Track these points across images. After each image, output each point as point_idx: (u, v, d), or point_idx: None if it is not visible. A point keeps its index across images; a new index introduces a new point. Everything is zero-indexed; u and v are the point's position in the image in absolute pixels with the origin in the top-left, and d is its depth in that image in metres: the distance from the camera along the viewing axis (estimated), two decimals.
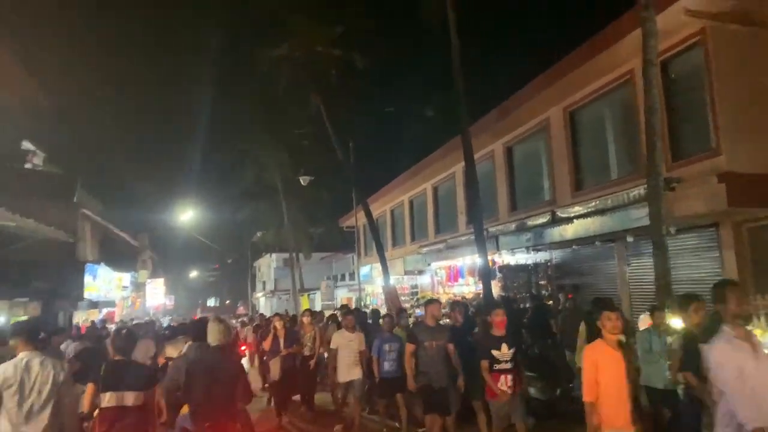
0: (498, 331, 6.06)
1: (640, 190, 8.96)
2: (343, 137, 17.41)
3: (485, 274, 10.75)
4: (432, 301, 7.22)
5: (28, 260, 12.99)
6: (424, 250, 17.85)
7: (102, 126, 25.73)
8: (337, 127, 16.74)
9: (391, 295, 14.82)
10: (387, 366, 7.92)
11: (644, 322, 7.03)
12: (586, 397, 4.41)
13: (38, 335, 4.51)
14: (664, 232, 6.90)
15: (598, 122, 11.28)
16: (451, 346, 6.62)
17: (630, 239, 9.66)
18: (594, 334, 7.12)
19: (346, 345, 8.22)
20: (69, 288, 16.29)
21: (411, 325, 8.95)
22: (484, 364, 5.92)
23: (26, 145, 15.20)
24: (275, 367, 9.24)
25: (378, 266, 23.23)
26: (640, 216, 9.03)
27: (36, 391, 4.13)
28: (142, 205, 32.18)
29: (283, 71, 17.64)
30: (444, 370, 6.53)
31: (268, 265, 44.75)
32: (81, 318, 19.50)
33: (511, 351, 5.98)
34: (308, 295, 31.54)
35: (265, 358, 10.10)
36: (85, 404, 4.45)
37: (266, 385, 10.23)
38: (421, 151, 18.56)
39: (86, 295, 18.35)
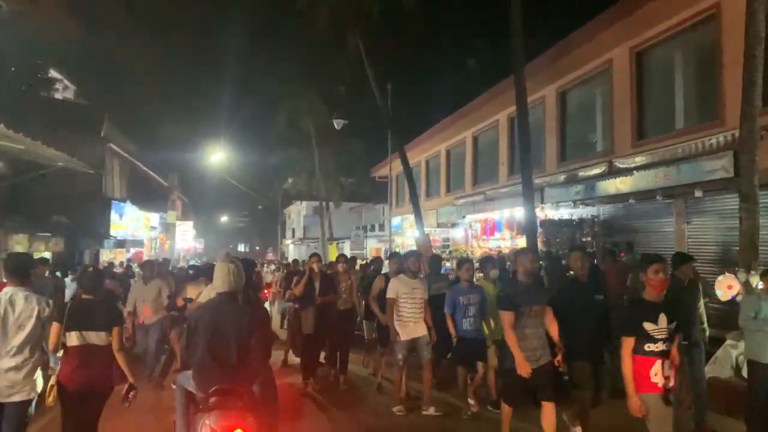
0: (655, 296, 4.05)
1: (718, 138, 7.95)
2: (382, 79, 16.34)
3: (531, 228, 9.87)
4: (524, 252, 5.38)
5: (49, 193, 12.56)
6: (460, 201, 17.05)
7: (132, 63, 25.06)
8: (375, 68, 15.68)
9: (424, 247, 14.07)
10: (465, 325, 6.39)
11: (724, 283, 6.13)
12: None
13: (25, 270, 4.37)
14: (756, 182, 5.92)
15: (668, 64, 10.09)
16: (549, 312, 4.99)
17: (698, 194, 8.66)
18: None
19: (410, 293, 6.51)
20: (94, 225, 15.99)
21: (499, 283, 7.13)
22: (628, 342, 3.98)
23: (53, 74, 14.58)
24: (308, 320, 7.76)
25: (409, 217, 22.56)
26: (715, 168, 8.08)
27: (19, 325, 4.09)
28: (173, 146, 31.68)
29: (323, 7, 16.54)
30: (545, 344, 4.89)
31: (297, 212, 44.55)
32: (108, 257, 19.34)
33: (672, 326, 4.00)
34: (337, 244, 31.20)
35: (296, 306, 8.56)
36: (50, 343, 4.25)
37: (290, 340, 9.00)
38: (460, 99, 17.60)
39: (112, 233, 18.10)
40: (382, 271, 8.56)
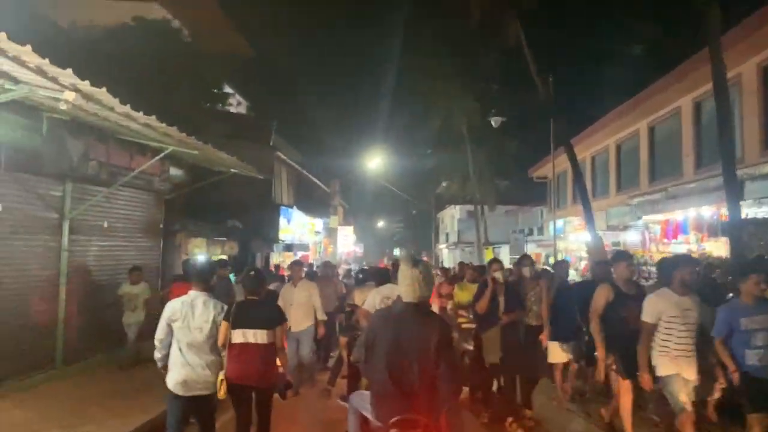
0: None
1: None
2: (543, 71, 15.32)
3: (735, 228, 8.36)
4: None
5: (224, 200, 13.50)
6: (635, 201, 15.36)
7: (294, 76, 26.62)
8: (536, 58, 14.71)
9: (598, 252, 12.68)
10: (750, 358, 4.64)
11: None
12: None
13: (207, 277, 4.82)
14: None
15: None
16: None
17: None
18: None
19: (680, 316, 4.83)
20: (265, 229, 16.98)
21: None
22: None
23: (226, 89, 15.77)
24: (492, 345, 6.43)
25: (573, 221, 21.07)
26: None
27: (198, 328, 4.52)
28: (333, 154, 33.17)
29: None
30: None
31: (451, 216, 44.28)
32: (277, 260, 20.48)
33: None
34: (493, 248, 30.26)
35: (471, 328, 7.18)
36: (219, 340, 4.60)
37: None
38: (628, 89, 16.02)
39: (281, 237, 19.13)
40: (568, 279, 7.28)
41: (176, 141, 7.75)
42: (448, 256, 43.95)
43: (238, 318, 4.60)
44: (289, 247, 21.48)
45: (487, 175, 30.26)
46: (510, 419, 6.25)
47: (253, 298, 4.87)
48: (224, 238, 14.20)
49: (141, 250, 10.27)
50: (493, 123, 20.58)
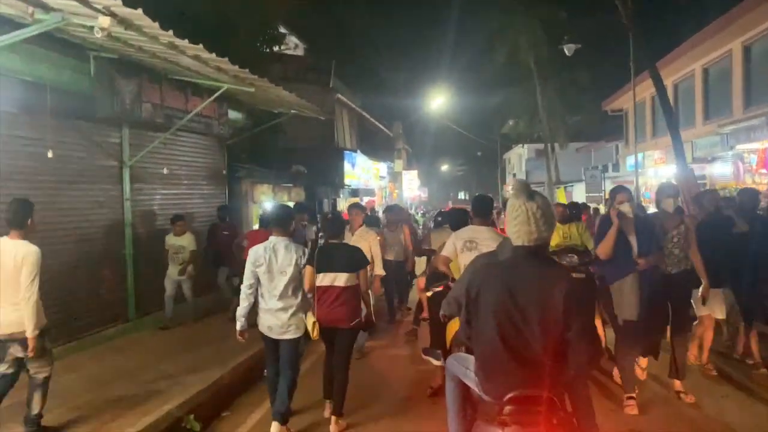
0: None
1: None
2: None
3: None
4: None
5: (287, 145, 13.23)
6: (727, 129, 13.99)
7: (352, 15, 25.76)
8: None
9: (689, 184, 11.40)
10: None
11: None
12: None
13: (286, 222, 4.84)
14: None
15: None
16: None
17: None
18: None
19: None
20: (330, 174, 16.75)
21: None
22: None
23: (282, 30, 15.26)
24: (627, 297, 4.90)
25: (653, 154, 19.65)
26: None
27: (281, 271, 4.58)
28: (395, 95, 32.25)
29: None
30: None
31: (518, 156, 42.79)
32: (344, 205, 20.34)
33: None
34: (565, 187, 29.00)
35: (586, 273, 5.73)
36: (305, 284, 4.71)
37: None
38: (713, 7, 14.41)
39: (346, 182, 18.89)
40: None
41: (231, 78, 7.38)
42: None
43: (322, 262, 4.74)
44: (355, 193, 21.32)
45: (557, 111, 28.75)
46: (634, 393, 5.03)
47: (334, 241, 4.97)
48: (290, 184, 14.00)
49: (205, 198, 10.05)
50: (566, 51, 19.13)
